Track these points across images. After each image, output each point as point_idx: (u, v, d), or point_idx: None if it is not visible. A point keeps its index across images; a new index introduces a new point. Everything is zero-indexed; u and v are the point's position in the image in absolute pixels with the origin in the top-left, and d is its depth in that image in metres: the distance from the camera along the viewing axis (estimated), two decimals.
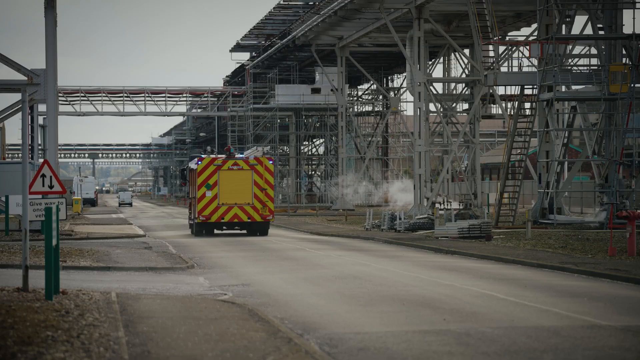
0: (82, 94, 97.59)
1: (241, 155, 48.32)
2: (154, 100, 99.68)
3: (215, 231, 48.01)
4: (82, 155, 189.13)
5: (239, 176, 46.39)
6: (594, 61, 52.78)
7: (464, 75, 71.68)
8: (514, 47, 60.03)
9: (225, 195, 46.26)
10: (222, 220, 46.52)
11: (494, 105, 69.56)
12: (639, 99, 46.63)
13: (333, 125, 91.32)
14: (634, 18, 47.16)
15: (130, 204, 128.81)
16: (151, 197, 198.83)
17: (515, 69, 53.05)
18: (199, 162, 46.95)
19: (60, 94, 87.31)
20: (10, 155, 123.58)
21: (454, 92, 72.61)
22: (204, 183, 46.39)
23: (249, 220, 46.49)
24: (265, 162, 46.78)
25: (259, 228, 47.16)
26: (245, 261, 30.46)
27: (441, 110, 66.76)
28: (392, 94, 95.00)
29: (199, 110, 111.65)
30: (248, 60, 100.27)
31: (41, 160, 47.02)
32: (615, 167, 46.84)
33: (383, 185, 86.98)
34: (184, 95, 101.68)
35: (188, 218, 53.78)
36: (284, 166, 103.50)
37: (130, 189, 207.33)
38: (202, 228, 47.01)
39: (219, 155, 47.89)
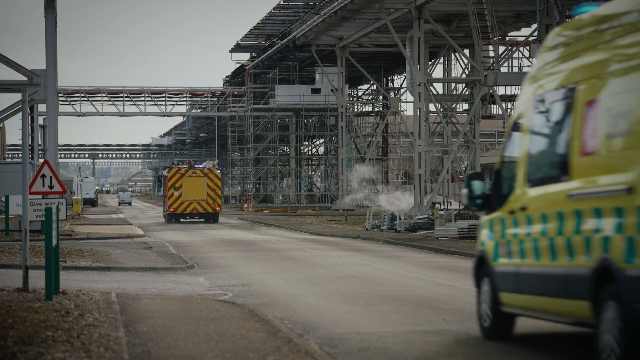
0: (82, 94, 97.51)
1: (199, 166, 65.79)
2: (154, 101, 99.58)
3: (181, 220, 65.23)
4: (82, 155, 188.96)
5: (197, 181, 63.37)
6: None
7: (464, 76, 71.65)
8: (514, 47, 60.01)
9: (187, 194, 63.20)
10: (185, 212, 63.94)
11: (494, 106, 69.53)
12: None
13: (333, 126, 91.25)
14: None
15: (130, 203, 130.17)
16: (151, 198, 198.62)
17: (515, 69, 53.05)
18: (169, 171, 64.43)
19: (60, 94, 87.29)
20: (10, 156, 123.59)
21: (454, 92, 72.57)
22: (172, 186, 63.19)
23: (204, 212, 63.78)
24: (214, 171, 64.17)
25: (211, 217, 64.30)
26: (245, 261, 30.47)
27: (441, 110, 66.75)
28: (392, 94, 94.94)
29: (199, 110, 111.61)
30: (248, 60, 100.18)
31: (41, 160, 47.05)
32: None
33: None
34: (184, 95, 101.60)
35: (162, 211, 71.95)
36: (284, 166, 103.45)
37: (130, 189, 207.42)
38: (172, 217, 64.44)
39: (183, 166, 65.59)
